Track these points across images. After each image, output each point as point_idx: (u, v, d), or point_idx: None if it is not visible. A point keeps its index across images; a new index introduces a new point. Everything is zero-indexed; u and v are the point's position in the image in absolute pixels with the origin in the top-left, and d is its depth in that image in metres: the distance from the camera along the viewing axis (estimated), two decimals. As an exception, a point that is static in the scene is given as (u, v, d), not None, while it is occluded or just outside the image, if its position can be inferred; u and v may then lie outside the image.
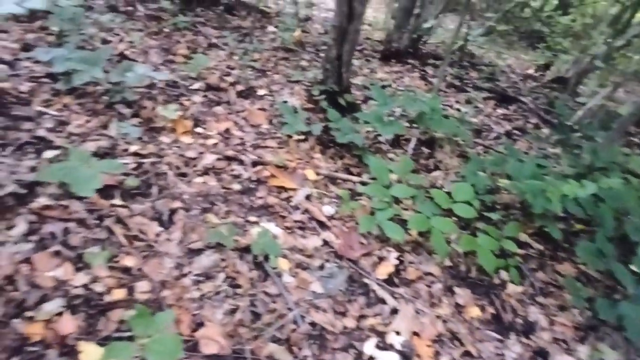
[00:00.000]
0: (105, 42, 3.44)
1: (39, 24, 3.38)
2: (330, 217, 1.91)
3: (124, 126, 2.05)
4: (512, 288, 1.83)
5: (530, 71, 7.54)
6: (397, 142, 2.93)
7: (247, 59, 3.90)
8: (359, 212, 1.97)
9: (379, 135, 2.87)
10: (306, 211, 1.88)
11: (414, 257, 1.81)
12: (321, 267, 1.62)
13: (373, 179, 2.12)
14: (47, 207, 1.54)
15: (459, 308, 1.66)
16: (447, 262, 1.86)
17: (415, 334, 1.49)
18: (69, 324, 1.18)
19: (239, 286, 1.45)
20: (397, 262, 1.73)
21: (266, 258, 1.54)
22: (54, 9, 3.02)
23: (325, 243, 1.74)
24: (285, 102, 3.11)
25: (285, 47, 4.90)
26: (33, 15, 3.50)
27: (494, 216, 1.97)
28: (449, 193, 2.12)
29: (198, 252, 1.52)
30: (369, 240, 1.81)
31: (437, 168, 2.75)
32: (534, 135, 3.68)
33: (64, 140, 1.97)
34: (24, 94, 2.31)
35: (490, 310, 1.72)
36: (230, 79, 3.32)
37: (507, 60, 7.67)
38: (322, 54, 5.12)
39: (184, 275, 1.44)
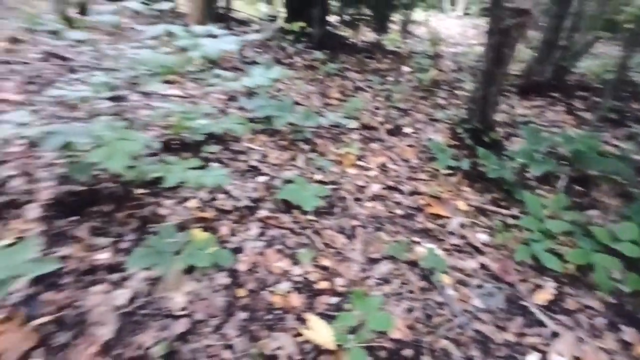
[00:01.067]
0: (278, 90, 4.31)
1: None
2: (485, 244, 2.12)
3: (317, 159, 2.63)
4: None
5: None
6: (545, 179, 2.95)
7: (386, 98, 4.38)
8: (513, 242, 2.13)
9: (526, 171, 2.95)
10: (462, 237, 2.14)
11: (573, 289, 1.89)
12: (480, 286, 1.85)
13: (524, 213, 2.25)
14: (268, 218, 2.15)
15: (625, 345, 1.68)
16: (610, 299, 1.87)
17: (578, 359, 1.58)
18: (296, 300, 1.67)
19: (411, 292, 1.78)
20: (555, 291, 1.84)
21: (432, 272, 1.84)
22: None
23: (482, 266, 1.96)
24: (431, 139, 3.43)
25: (422, 87, 5.27)
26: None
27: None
28: (611, 231, 2.12)
29: (376, 261, 1.92)
30: (524, 268, 1.96)
31: (592, 207, 2.69)
32: None
33: (269, 169, 2.64)
34: (236, 134, 3.12)
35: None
36: (378, 119, 3.81)
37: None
38: (457, 92, 5.33)
39: (368, 277, 1.84)
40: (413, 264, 1.91)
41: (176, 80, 4.04)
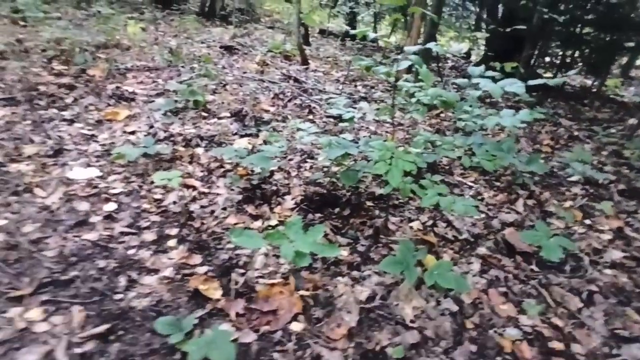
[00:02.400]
0: (482, 129, 4.20)
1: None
2: None
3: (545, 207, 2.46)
4: None
5: None
6: None
7: (622, 154, 3.75)
8: None
9: None
10: None
11: None
12: None
13: None
14: (489, 256, 2.11)
15: None
16: None
17: None
18: (528, 352, 1.58)
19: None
20: None
21: None
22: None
23: None
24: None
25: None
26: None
27: None
28: None
29: (625, 339, 1.65)
30: None
31: None
32: None
33: (485, 207, 2.59)
34: (446, 166, 3.18)
35: None
36: (609, 177, 3.31)
37: None
38: None
39: (613, 356, 1.60)
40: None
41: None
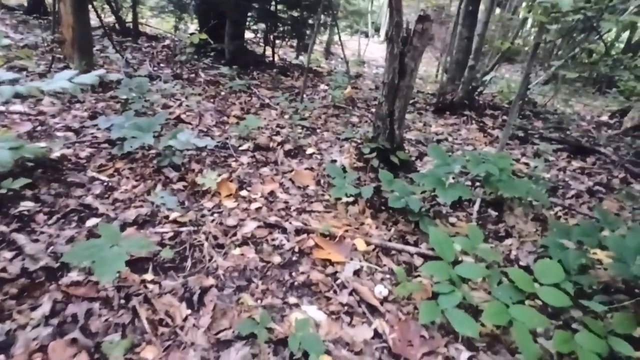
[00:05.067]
0: (166, 107, 3.62)
1: (110, 93, 3.66)
2: (384, 300, 1.61)
3: (162, 195, 1.98)
4: (632, 408, 1.36)
5: (604, 118, 6.87)
6: (458, 203, 2.61)
7: (297, 117, 3.89)
8: (419, 294, 1.66)
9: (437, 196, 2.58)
10: (355, 292, 1.62)
11: (491, 356, 1.44)
12: (371, 368, 1.32)
13: (432, 250, 1.81)
14: (76, 283, 1.44)
15: None
16: (537, 366, 1.46)
17: None
18: None
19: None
20: (469, 365, 1.38)
21: (305, 355, 1.28)
22: (124, 80, 3.25)
23: (377, 335, 1.44)
24: (334, 161, 2.97)
25: (336, 105, 4.90)
26: (106, 85, 3.84)
27: (597, 307, 1.55)
28: (528, 269, 1.76)
29: (227, 344, 1.31)
30: (432, 332, 1.48)
31: (508, 235, 2.37)
32: (625, 193, 3.15)
33: (108, 207, 1.94)
34: (82, 159, 2.38)
35: None
36: (279, 139, 3.28)
37: (574, 107, 7.08)
38: (373, 110, 5.04)
39: (210, 374, 1.22)
40: (282, 342, 1.33)
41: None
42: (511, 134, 4.75)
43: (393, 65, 2.70)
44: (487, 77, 5.91)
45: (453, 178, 2.29)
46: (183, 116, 3.44)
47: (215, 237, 1.81)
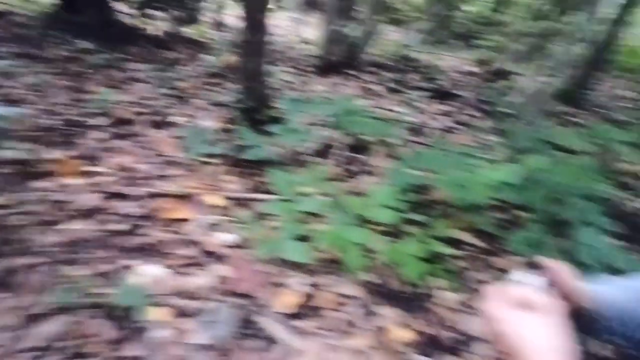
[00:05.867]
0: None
1: None
2: (232, 246, 1.63)
3: None
4: (444, 296, 1.59)
5: (475, 69, 7.65)
6: (324, 152, 2.71)
7: (166, 88, 3.66)
8: (267, 235, 1.71)
9: (300, 147, 2.65)
10: (198, 244, 1.61)
11: (328, 279, 1.56)
12: (207, 311, 1.34)
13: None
14: None
15: (381, 333, 1.41)
16: (372, 279, 1.61)
17: (325, 375, 1.21)
18: None
19: (94, 355, 1.15)
20: (304, 289, 1.47)
21: (129, 310, 1.24)
22: None
23: (218, 279, 1.46)
24: (196, 125, 2.87)
25: (214, 73, 4.71)
26: None
27: (417, 217, 1.75)
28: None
29: (42, 317, 1.22)
30: (271, 266, 1.55)
31: (369, 173, 2.55)
32: (473, 127, 3.57)
33: None
34: None
35: (419, 328, 1.46)
36: (144, 110, 3.06)
37: (448, 61, 7.76)
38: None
39: (20, 352, 1.13)
40: (106, 307, 1.27)
41: None
42: (388, 87, 5.06)
43: (246, 22, 2.64)
44: (368, 38, 6.14)
45: (311, 125, 2.36)
46: (24, 96, 3.01)
47: (43, 215, 1.64)
